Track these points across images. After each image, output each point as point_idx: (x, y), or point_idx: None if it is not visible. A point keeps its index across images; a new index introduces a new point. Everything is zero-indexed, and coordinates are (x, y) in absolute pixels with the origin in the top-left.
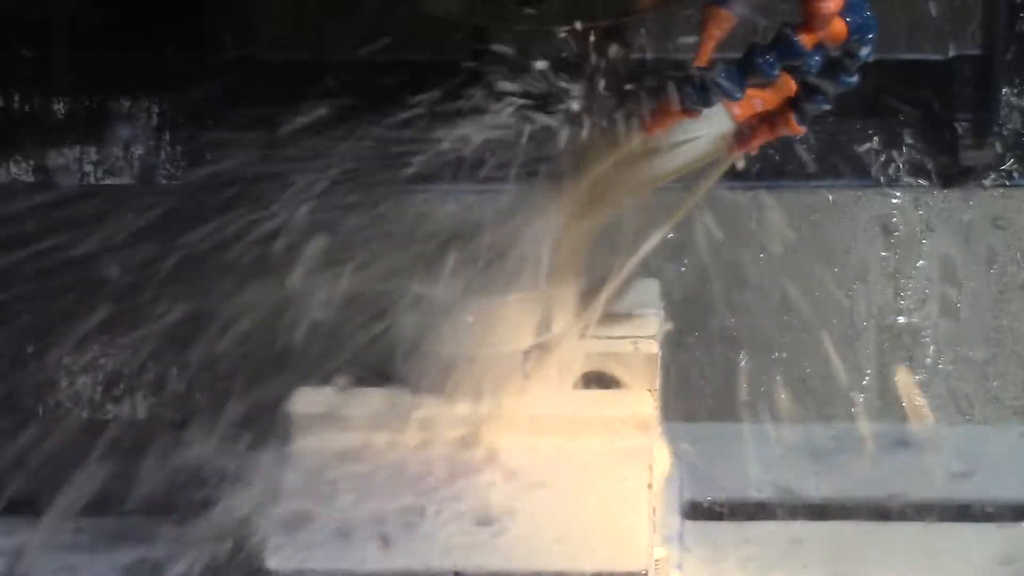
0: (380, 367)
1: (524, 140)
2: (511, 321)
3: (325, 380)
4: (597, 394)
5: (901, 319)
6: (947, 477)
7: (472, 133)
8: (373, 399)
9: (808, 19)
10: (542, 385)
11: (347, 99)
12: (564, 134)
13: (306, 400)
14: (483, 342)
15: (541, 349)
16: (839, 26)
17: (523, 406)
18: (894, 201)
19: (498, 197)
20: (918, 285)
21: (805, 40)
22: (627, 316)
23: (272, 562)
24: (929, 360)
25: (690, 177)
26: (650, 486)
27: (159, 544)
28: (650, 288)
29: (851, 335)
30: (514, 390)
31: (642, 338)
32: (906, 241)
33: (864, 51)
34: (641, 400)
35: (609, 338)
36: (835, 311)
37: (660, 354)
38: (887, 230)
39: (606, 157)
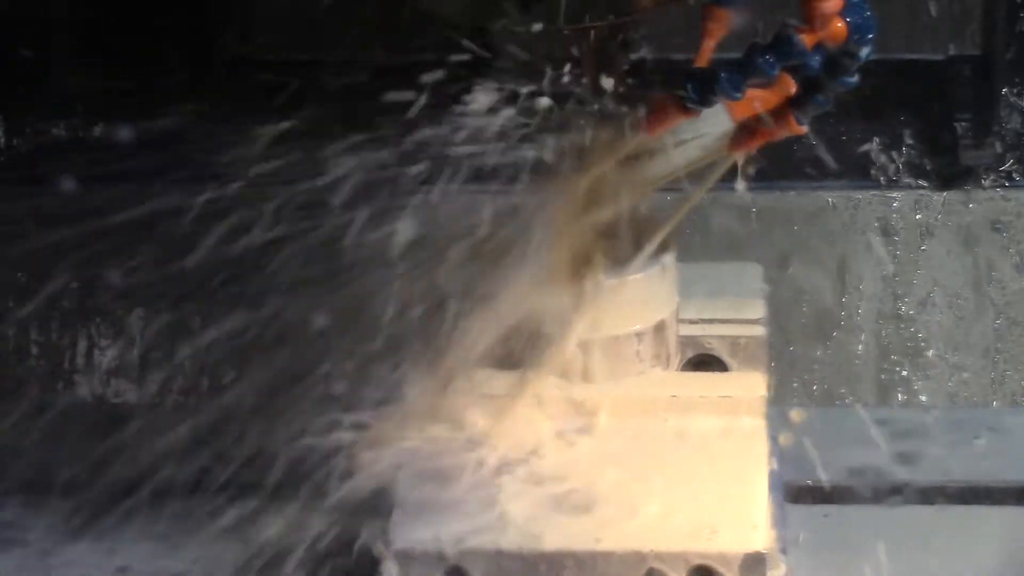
0: (497, 352)
1: (524, 140)
2: (628, 303)
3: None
4: (710, 376)
5: (900, 322)
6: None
7: (472, 133)
8: (494, 382)
9: (808, 19)
10: (655, 367)
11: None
12: (563, 134)
13: None
14: (601, 325)
15: (654, 331)
16: (839, 26)
17: (638, 388)
18: (895, 205)
19: (499, 198)
20: (918, 287)
21: (805, 40)
22: (733, 300)
23: (397, 542)
24: (928, 363)
25: (690, 177)
26: (768, 466)
27: (283, 525)
28: (754, 272)
29: (849, 337)
30: (629, 372)
31: (750, 321)
32: (905, 243)
33: (864, 51)
34: (753, 382)
35: (717, 322)
36: (834, 312)
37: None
38: (886, 232)
39: (606, 157)
